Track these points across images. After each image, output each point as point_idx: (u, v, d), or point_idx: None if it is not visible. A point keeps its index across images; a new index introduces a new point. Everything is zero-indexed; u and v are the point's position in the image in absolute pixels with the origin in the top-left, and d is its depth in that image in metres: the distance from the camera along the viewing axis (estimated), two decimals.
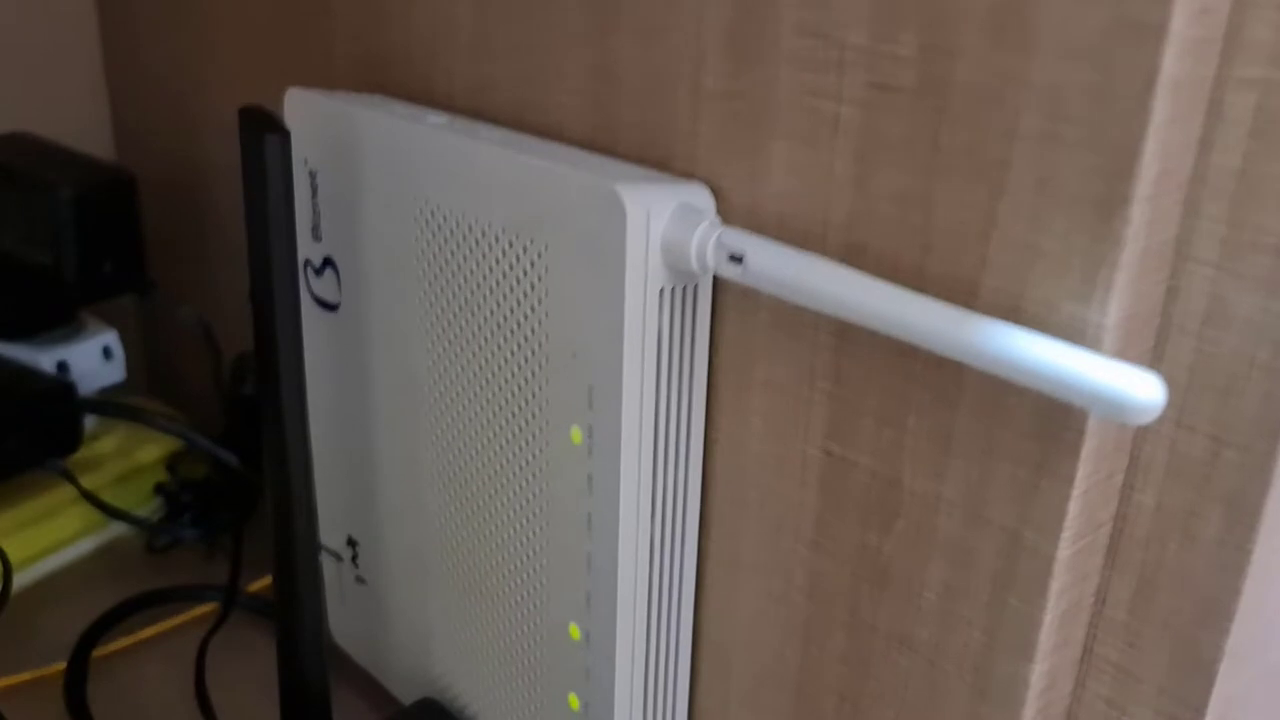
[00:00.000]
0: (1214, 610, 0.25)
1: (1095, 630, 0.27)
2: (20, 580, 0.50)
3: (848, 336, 0.28)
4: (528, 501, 0.34)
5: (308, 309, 0.41)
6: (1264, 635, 0.27)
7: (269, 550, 0.46)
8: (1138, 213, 0.22)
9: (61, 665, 0.46)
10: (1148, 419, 0.21)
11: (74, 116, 0.61)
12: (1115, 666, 0.27)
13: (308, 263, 0.40)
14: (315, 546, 0.37)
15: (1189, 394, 0.24)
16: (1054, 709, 0.28)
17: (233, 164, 0.55)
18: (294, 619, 0.38)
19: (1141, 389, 0.21)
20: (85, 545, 0.54)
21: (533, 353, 0.32)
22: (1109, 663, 0.27)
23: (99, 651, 0.47)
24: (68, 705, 0.43)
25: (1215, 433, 0.24)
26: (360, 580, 0.44)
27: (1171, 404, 0.25)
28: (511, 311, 0.32)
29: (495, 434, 0.34)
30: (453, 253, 0.34)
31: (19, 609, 0.49)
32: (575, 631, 0.34)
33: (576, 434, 0.31)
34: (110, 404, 0.50)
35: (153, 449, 0.56)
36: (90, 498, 0.48)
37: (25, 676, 0.45)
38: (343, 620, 0.46)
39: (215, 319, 0.53)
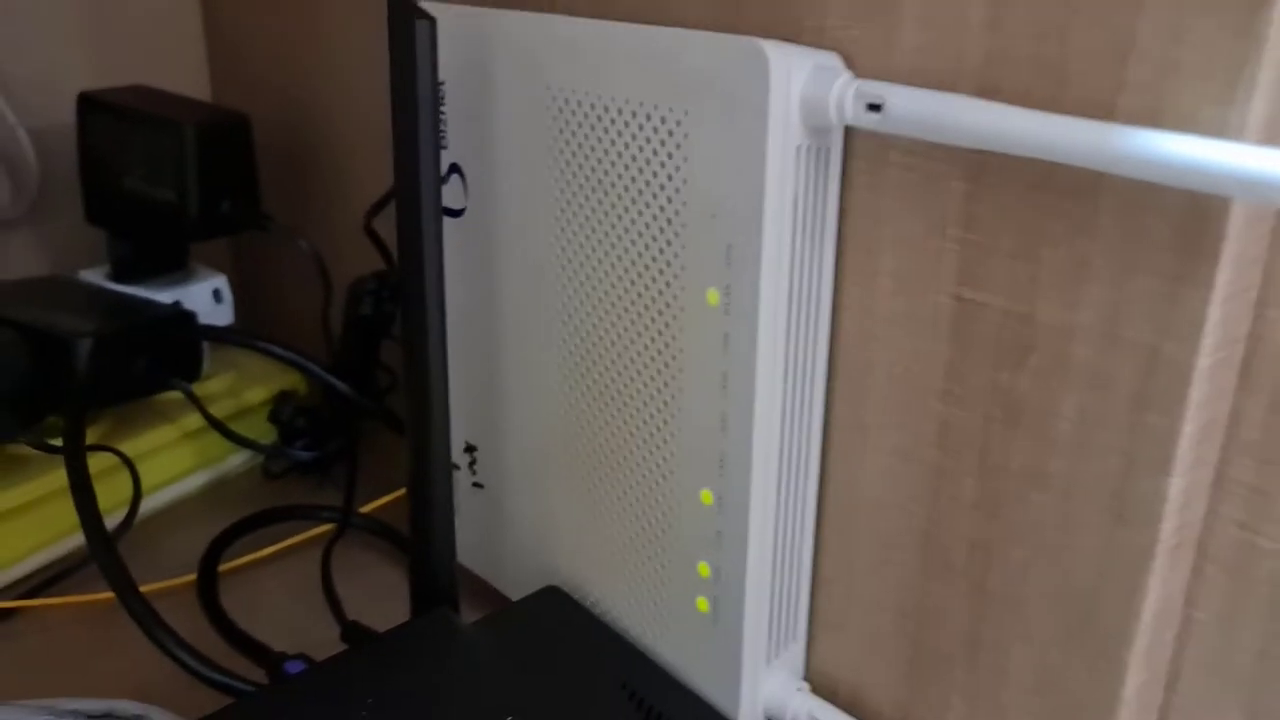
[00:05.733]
0: None
1: (1228, 453, 0.28)
2: (141, 508, 0.52)
3: (980, 180, 0.30)
4: (661, 370, 0.35)
5: None
6: None
7: (374, 477, 0.48)
8: None
9: (191, 576, 0.47)
10: None
11: (176, 75, 0.64)
12: (1248, 487, 0.28)
13: None
14: (448, 450, 0.39)
15: None
16: (1188, 533, 0.29)
17: (339, 100, 0.57)
18: (427, 523, 0.39)
19: None
20: (200, 478, 0.56)
21: (669, 221, 0.34)
22: (1241, 484, 0.28)
23: (223, 567, 0.49)
24: (203, 607, 0.45)
25: None
26: (477, 485, 0.45)
27: None
28: (648, 184, 0.34)
29: (628, 309, 0.36)
30: (585, 137, 0.35)
31: (142, 533, 0.51)
32: (707, 496, 0.35)
33: (713, 295, 0.33)
34: (228, 330, 0.52)
35: (260, 390, 0.58)
36: (214, 422, 0.50)
37: (157, 586, 0.47)
38: (457, 531, 0.47)
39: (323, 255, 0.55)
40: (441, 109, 0.41)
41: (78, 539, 0.50)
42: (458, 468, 0.46)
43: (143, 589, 0.40)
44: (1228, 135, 0.25)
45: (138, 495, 0.47)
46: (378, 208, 0.48)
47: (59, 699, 0.37)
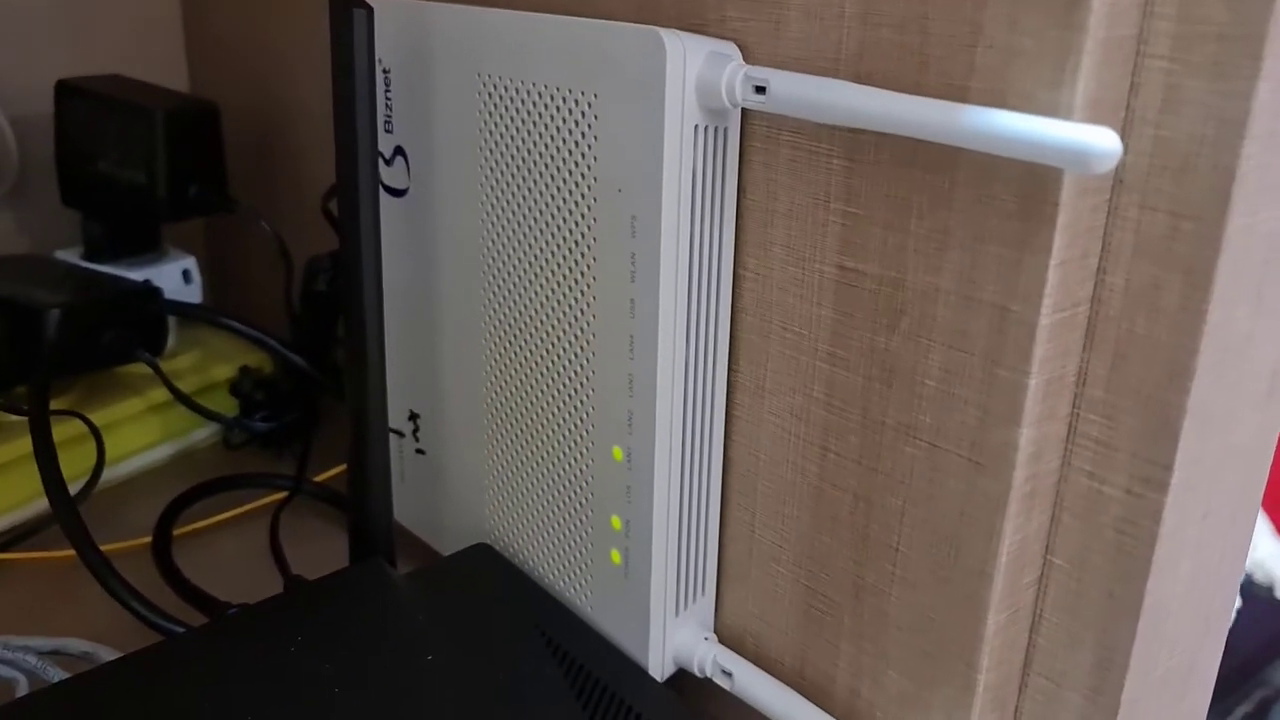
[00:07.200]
0: (1177, 372, 0.29)
1: (1078, 410, 0.31)
2: (105, 477, 0.55)
3: (858, 157, 0.32)
4: (578, 335, 0.38)
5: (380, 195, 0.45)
6: (1223, 404, 0.30)
7: (330, 448, 0.51)
8: (1098, 3, 0.27)
9: (147, 539, 0.50)
10: (1108, 165, 0.25)
11: (156, 67, 0.67)
12: (1095, 441, 0.31)
13: (380, 153, 0.45)
14: (384, 412, 0.42)
15: (1150, 177, 0.28)
16: (1044, 482, 0.32)
17: (302, 90, 0.60)
18: (364, 482, 0.42)
19: (1099, 139, 0.25)
20: (167, 449, 0.59)
21: (583, 196, 0.36)
22: (1090, 438, 0.31)
23: (180, 530, 0.51)
24: (158, 564, 0.47)
25: (1174, 208, 0.28)
26: (420, 452, 0.48)
27: (1136, 188, 0.29)
28: (564, 161, 0.37)
29: (547, 279, 0.38)
30: (510, 119, 0.38)
31: (104, 500, 0.54)
32: (618, 453, 0.38)
33: (621, 264, 0.35)
34: (191, 305, 0.55)
35: (225, 367, 0.61)
36: (176, 392, 0.52)
37: (117, 546, 0.50)
38: (400, 495, 0.50)
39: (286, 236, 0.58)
40: (388, 95, 0.44)
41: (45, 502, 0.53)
42: (402, 435, 0.48)
43: (103, 548, 0.43)
44: (1059, 114, 0.28)
45: (101, 459, 0.49)
46: (333, 191, 0.50)
47: (11, 636, 0.39)
